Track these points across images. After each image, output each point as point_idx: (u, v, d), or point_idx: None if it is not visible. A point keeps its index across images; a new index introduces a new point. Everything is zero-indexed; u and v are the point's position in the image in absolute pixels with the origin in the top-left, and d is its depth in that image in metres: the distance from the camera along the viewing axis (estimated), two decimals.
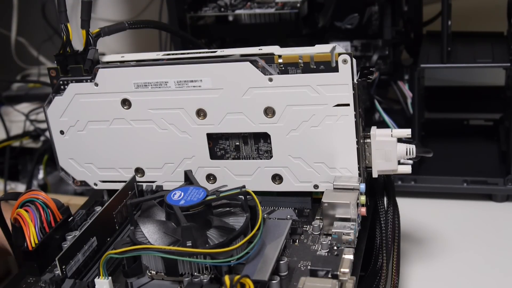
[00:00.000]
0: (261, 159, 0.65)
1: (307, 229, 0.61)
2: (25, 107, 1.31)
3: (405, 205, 0.75)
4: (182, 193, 0.58)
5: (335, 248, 0.57)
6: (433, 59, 0.87)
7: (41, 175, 1.11)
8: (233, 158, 0.66)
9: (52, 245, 0.60)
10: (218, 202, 0.59)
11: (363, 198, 0.61)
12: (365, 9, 0.97)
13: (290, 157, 0.63)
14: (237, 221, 0.57)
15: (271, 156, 0.64)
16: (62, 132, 0.69)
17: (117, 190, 0.66)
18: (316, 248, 0.58)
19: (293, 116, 0.62)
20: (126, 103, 0.66)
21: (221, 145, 0.66)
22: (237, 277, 0.47)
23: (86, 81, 0.66)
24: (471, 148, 0.95)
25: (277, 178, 0.65)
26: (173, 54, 0.65)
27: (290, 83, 0.60)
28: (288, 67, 0.60)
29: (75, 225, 0.64)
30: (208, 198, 0.58)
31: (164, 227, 0.57)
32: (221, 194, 0.58)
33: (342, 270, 0.51)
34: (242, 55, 0.62)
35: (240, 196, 0.58)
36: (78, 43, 0.66)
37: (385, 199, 0.68)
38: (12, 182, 1.12)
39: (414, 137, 0.80)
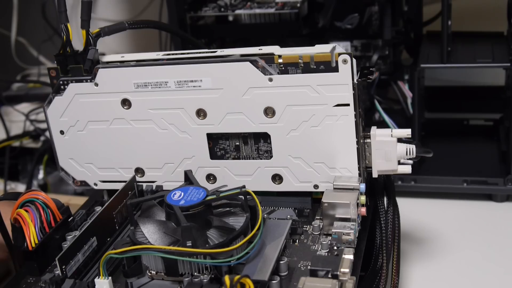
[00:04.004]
0: (261, 159, 0.65)
1: (307, 229, 0.62)
2: (25, 107, 1.31)
3: (405, 205, 0.75)
4: (182, 193, 0.58)
5: (335, 248, 0.57)
6: (433, 59, 0.87)
7: (41, 175, 1.11)
8: (233, 158, 0.66)
9: (52, 245, 0.60)
10: (218, 202, 0.59)
11: (363, 198, 0.61)
12: (365, 9, 0.97)
13: (290, 157, 0.63)
14: (237, 221, 0.57)
15: (271, 156, 0.64)
16: (62, 132, 0.69)
17: (117, 190, 0.66)
18: (316, 248, 0.58)
19: (293, 116, 0.62)
20: (126, 103, 0.66)
21: (221, 145, 0.66)
22: (237, 277, 0.47)
23: (86, 81, 0.66)
24: (471, 148, 0.96)
25: (277, 178, 0.65)
26: (173, 54, 0.65)
27: (290, 83, 0.60)
28: (288, 67, 0.60)
29: (75, 225, 0.64)
30: (208, 198, 0.58)
31: (164, 227, 0.57)
32: (221, 194, 0.58)
33: (342, 270, 0.51)
34: (242, 55, 0.62)
35: (240, 196, 0.58)
36: (78, 43, 0.66)
37: (385, 199, 0.68)
38: (12, 182, 1.12)
39: (414, 137, 0.80)
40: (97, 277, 0.54)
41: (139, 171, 0.69)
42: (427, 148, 0.64)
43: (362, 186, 0.61)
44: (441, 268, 0.75)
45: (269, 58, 0.61)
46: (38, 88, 1.38)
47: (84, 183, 0.71)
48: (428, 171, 0.89)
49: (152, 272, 0.56)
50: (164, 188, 0.69)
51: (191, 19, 0.98)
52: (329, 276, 0.51)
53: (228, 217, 0.58)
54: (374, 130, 0.62)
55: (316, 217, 0.63)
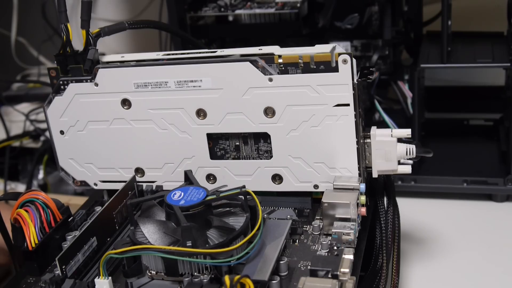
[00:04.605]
0: (261, 159, 0.65)
1: (307, 229, 0.62)
2: (25, 107, 1.31)
3: (405, 205, 0.75)
4: (182, 193, 0.58)
5: (335, 248, 0.57)
6: (433, 59, 0.87)
7: (41, 175, 1.11)
8: (233, 158, 0.66)
9: (52, 245, 0.60)
10: (218, 202, 0.59)
11: (363, 198, 0.61)
12: (365, 9, 0.97)
13: (290, 157, 0.63)
14: (237, 221, 0.57)
15: (271, 156, 0.64)
16: (62, 132, 0.69)
17: (117, 190, 0.66)
18: (316, 248, 0.58)
19: (293, 116, 0.62)
20: (126, 103, 0.66)
21: (221, 145, 0.66)
22: (237, 277, 0.47)
23: (86, 81, 0.66)
24: (471, 148, 0.96)
25: (277, 178, 0.65)
26: (173, 54, 0.65)
27: (290, 83, 0.60)
28: (288, 67, 0.60)
29: (75, 225, 0.64)
30: (208, 198, 0.58)
31: (164, 227, 0.57)
32: (221, 194, 0.58)
33: (342, 270, 0.51)
34: (242, 55, 0.62)
35: (240, 196, 0.58)
36: (78, 43, 0.66)
37: (385, 199, 0.68)
38: (12, 182, 1.12)
39: (414, 137, 0.80)
40: (97, 277, 0.54)
41: (139, 171, 0.69)
42: (427, 148, 0.64)
43: (362, 186, 0.61)
44: (441, 268, 0.75)
45: (269, 58, 0.61)
46: (38, 88, 1.38)
47: (84, 183, 0.71)
48: (428, 171, 0.89)
49: (152, 272, 0.56)
50: (164, 188, 0.69)
51: (191, 19, 0.98)
52: (329, 276, 0.51)
53: (228, 217, 0.58)
54: (374, 130, 0.62)
55: (316, 217, 0.63)
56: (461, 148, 0.96)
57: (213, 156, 0.66)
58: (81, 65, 0.65)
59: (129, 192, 0.67)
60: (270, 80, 0.61)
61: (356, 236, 0.58)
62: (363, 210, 0.61)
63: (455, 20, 0.88)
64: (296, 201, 0.65)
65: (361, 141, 0.61)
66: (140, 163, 0.68)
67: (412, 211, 0.84)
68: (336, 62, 0.59)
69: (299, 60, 0.60)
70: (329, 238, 0.59)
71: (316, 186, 0.64)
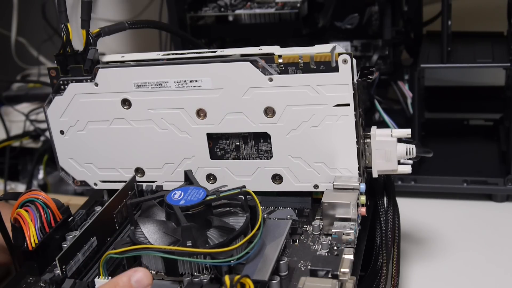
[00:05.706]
0: (261, 159, 0.65)
1: (307, 229, 0.62)
2: (25, 107, 1.30)
3: (405, 205, 0.75)
4: (182, 193, 0.58)
5: (335, 248, 0.57)
6: (433, 59, 0.87)
7: (41, 175, 1.11)
8: (233, 158, 0.66)
9: (52, 245, 0.60)
10: (218, 202, 0.59)
11: (363, 198, 0.61)
12: (365, 9, 0.97)
13: (290, 157, 0.63)
14: (237, 221, 0.57)
15: (271, 156, 0.64)
16: (62, 132, 0.69)
17: (117, 190, 0.66)
18: (316, 248, 0.58)
19: (293, 116, 0.62)
20: (126, 103, 0.66)
21: (221, 145, 0.66)
22: (237, 277, 0.47)
23: (86, 81, 0.66)
24: (471, 148, 0.96)
25: (277, 178, 0.65)
26: (173, 54, 0.65)
27: (290, 83, 0.60)
28: (288, 67, 0.60)
29: (75, 225, 0.64)
30: (208, 198, 0.58)
31: (164, 227, 0.57)
32: (221, 194, 0.58)
33: (342, 270, 0.51)
34: (242, 55, 0.62)
35: (240, 196, 0.58)
36: (78, 43, 0.66)
37: (385, 199, 0.68)
38: (12, 182, 1.12)
39: (414, 137, 0.80)
40: (97, 277, 0.54)
41: (139, 171, 0.69)
42: (427, 148, 0.64)
43: (362, 186, 0.61)
44: (441, 268, 0.75)
45: (269, 58, 0.61)
46: (38, 88, 1.38)
47: (84, 183, 0.71)
48: (428, 171, 0.89)
49: (152, 272, 0.56)
50: (164, 188, 0.69)
51: (191, 19, 0.98)
52: (329, 276, 0.51)
53: (228, 217, 0.58)
54: (374, 130, 0.62)
55: (316, 217, 0.63)
56: (461, 148, 0.96)
57: (213, 156, 0.66)
58: (81, 65, 0.65)
59: (129, 192, 0.67)
60: (270, 80, 0.61)
61: (356, 236, 0.58)
62: (363, 210, 0.61)
63: (455, 20, 0.88)
64: (296, 201, 0.65)
65: (361, 141, 0.61)
66: (140, 163, 0.68)
67: (412, 211, 0.84)
68: (336, 62, 0.59)
69: (299, 60, 0.60)
70: (329, 238, 0.59)
71: (316, 186, 0.64)
